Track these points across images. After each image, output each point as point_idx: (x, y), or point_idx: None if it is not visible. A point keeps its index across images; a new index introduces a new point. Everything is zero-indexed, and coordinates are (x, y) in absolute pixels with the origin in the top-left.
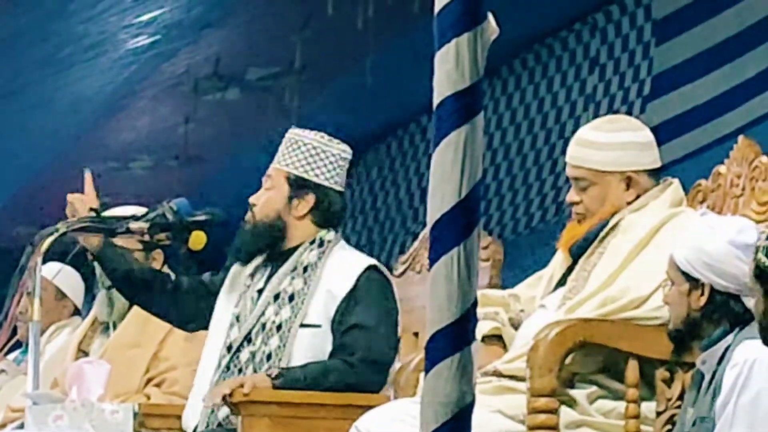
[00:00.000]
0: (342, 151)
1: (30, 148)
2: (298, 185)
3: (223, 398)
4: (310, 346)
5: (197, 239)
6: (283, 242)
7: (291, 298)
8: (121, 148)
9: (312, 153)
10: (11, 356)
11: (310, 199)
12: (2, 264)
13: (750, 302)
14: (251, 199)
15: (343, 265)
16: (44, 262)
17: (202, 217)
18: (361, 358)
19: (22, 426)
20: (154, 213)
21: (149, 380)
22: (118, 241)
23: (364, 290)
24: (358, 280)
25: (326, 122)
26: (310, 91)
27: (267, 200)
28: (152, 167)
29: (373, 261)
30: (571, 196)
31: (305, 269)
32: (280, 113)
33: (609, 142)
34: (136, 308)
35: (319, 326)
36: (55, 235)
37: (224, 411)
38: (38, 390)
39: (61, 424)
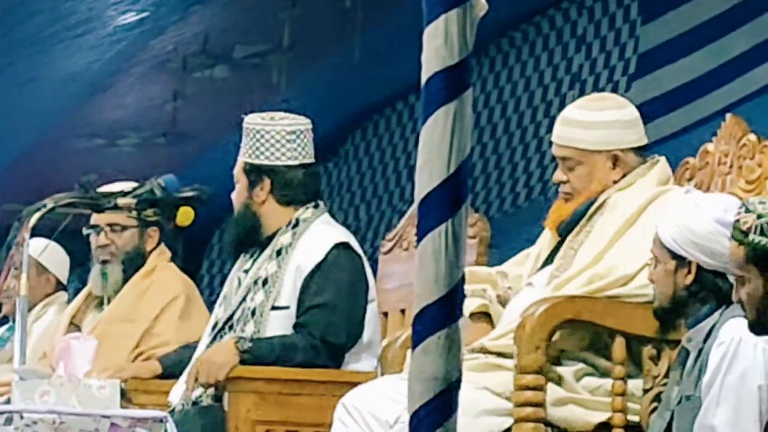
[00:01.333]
0: (288, 125)
1: (17, 125)
2: (253, 172)
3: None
4: (282, 328)
5: (185, 215)
6: (262, 229)
7: (264, 282)
8: (109, 125)
9: (258, 137)
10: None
11: (266, 183)
12: None
13: None
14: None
15: (313, 243)
16: (31, 237)
17: (190, 194)
18: (321, 339)
19: (8, 401)
20: (142, 189)
21: (138, 355)
22: (113, 216)
23: (330, 267)
24: (325, 256)
25: (314, 101)
26: (298, 69)
27: (236, 195)
28: (140, 144)
29: (344, 238)
30: (558, 175)
31: (279, 252)
32: (268, 91)
33: (595, 121)
34: (131, 283)
35: (287, 308)
36: (43, 210)
37: (198, 390)
38: (25, 365)
39: (47, 399)
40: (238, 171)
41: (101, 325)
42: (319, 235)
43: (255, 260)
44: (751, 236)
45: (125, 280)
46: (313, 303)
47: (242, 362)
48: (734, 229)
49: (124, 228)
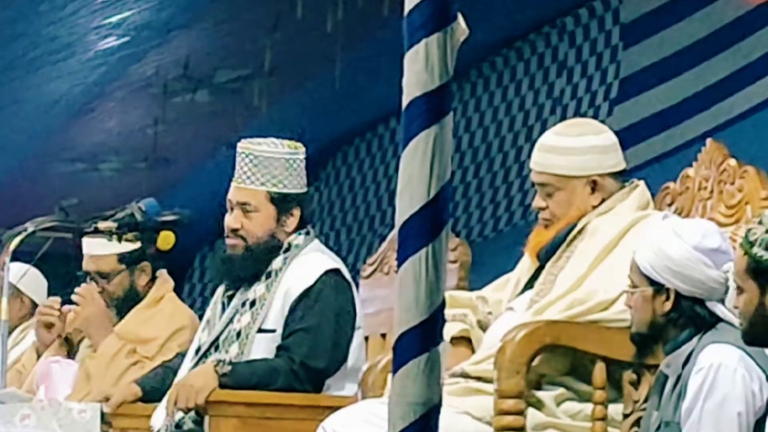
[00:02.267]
0: (302, 152)
1: None
2: (283, 202)
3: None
4: (267, 352)
5: (166, 239)
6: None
7: (252, 304)
8: (90, 149)
9: (285, 166)
10: None
11: (297, 212)
12: None
13: (718, 307)
14: (231, 224)
15: (304, 269)
16: (12, 261)
17: (171, 218)
18: (301, 364)
19: None
20: (123, 213)
21: (133, 364)
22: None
23: (318, 292)
24: (315, 282)
25: (295, 125)
26: (280, 93)
27: (257, 224)
28: (121, 169)
29: (335, 265)
30: (537, 201)
31: (268, 275)
32: (250, 115)
33: (572, 147)
34: (136, 310)
35: (273, 331)
36: (23, 234)
37: (179, 414)
38: (5, 389)
39: (28, 423)
40: (257, 201)
41: (106, 346)
42: (310, 261)
43: (240, 283)
44: (755, 249)
45: (122, 318)
46: (297, 327)
47: (221, 386)
48: (744, 238)
49: (112, 274)
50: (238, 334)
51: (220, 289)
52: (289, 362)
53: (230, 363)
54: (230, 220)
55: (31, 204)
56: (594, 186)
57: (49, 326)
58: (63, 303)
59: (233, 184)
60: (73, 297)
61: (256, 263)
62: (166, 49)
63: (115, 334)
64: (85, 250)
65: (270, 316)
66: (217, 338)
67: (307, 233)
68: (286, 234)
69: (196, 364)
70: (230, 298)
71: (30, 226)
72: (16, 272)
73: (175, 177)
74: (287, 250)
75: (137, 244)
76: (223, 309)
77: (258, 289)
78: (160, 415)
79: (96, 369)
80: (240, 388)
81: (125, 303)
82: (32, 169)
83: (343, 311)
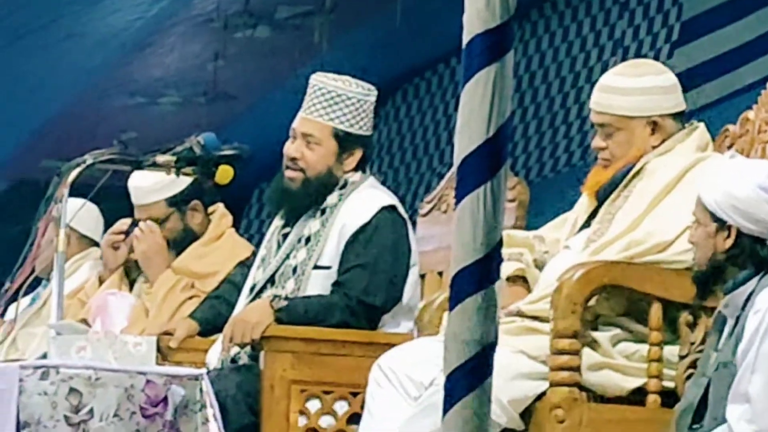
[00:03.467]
0: (374, 95)
1: (58, 81)
2: (347, 140)
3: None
4: (322, 288)
5: (224, 173)
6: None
7: (308, 240)
8: (150, 83)
9: (357, 106)
10: (25, 300)
11: (359, 153)
12: (29, 196)
13: None
14: (292, 153)
15: (360, 205)
16: (71, 193)
17: (230, 152)
18: (357, 300)
19: (44, 356)
20: (182, 147)
21: (188, 299)
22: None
23: (375, 229)
24: (371, 218)
25: (355, 62)
26: (340, 30)
27: (317, 158)
28: (180, 103)
29: (391, 201)
30: (597, 142)
31: (323, 211)
32: (309, 52)
33: (633, 87)
34: (195, 246)
35: (329, 268)
36: (82, 166)
37: (235, 349)
38: (62, 321)
39: (84, 354)
40: (322, 134)
41: (161, 282)
42: (366, 197)
43: (294, 221)
44: None
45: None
46: (353, 263)
47: (277, 321)
48: None
49: (164, 220)
50: (294, 270)
51: (274, 225)
52: (344, 298)
53: (286, 298)
54: (291, 149)
55: (91, 137)
56: (654, 126)
57: (115, 248)
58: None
59: (300, 114)
60: (135, 231)
61: (311, 197)
62: None
63: (171, 270)
64: (133, 201)
65: (325, 252)
66: (273, 274)
67: (363, 171)
68: (344, 173)
69: (252, 300)
70: (285, 235)
71: (89, 159)
72: (71, 210)
73: (235, 112)
74: (343, 186)
75: (185, 184)
76: (279, 246)
77: (313, 225)
78: (216, 350)
79: (152, 304)
80: (295, 324)
81: (183, 244)
82: (91, 103)
83: (399, 247)
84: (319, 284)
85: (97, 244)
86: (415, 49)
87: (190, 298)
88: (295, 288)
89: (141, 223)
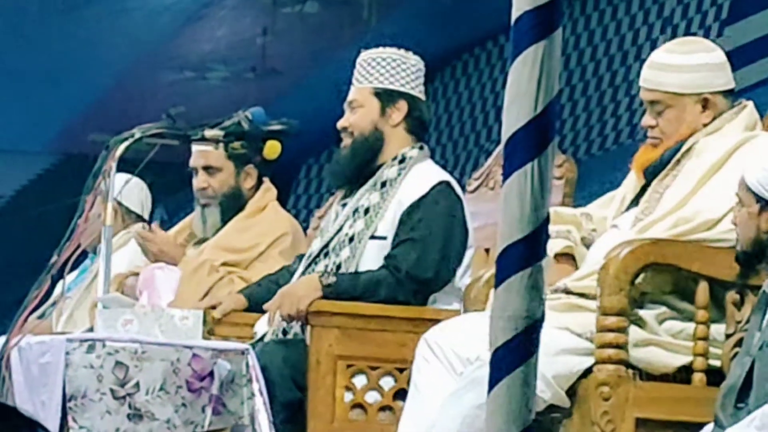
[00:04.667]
0: (417, 61)
1: (107, 55)
2: (387, 96)
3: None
4: (377, 259)
5: (272, 148)
6: (378, 156)
7: (366, 211)
8: (199, 58)
9: (393, 65)
10: (71, 275)
11: (402, 105)
12: (78, 170)
13: None
14: (340, 123)
15: (417, 178)
16: (119, 167)
17: (278, 127)
18: (407, 274)
19: (91, 329)
20: (230, 121)
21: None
22: (207, 158)
23: (431, 203)
24: (428, 192)
25: (403, 39)
26: (390, 7)
27: (360, 117)
28: (229, 78)
29: (447, 177)
30: (647, 120)
31: (383, 184)
32: (358, 28)
33: (683, 64)
34: (238, 218)
35: (384, 238)
36: (130, 140)
37: (281, 322)
38: (109, 294)
39: (130, 328)
40: (363, 96)
41: (203, 255)
42: (424, 171)
43: (354, 192)
44: None
45: (225, 221)
46: (406, 237)
47: (325, 296)
48: None
49: (219, 169)
50: (351, 239)
51: (334, 197)
52: (394, 273)
53: (335, 274)
54: (340, 121)
55: (139, 111)
56: (705, 104)
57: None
58: (165, 215)
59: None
60: (138, 239)
61: (358, 156)
62: None
63: (214, 245)
64: (193, 148)
65: (382, 223)
66: (327, 244)
67: (421, 147)
68: (391, 127)
69: (305, 270)
70: (344, 206)
71: (137, 132)
72: (118, 185)
73: (283, 88)
74: (402, 161)
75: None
76: (336, 217)
77: (372, 197)
78: (264, 321)
79: (180, 286)
80: (343, 299)
81: (230, 202)
82: (140, 76)
83: (455, 225)
84: (374, 254)
85: (143, 220)
86: (464, 25)
87: (221, 279)
88: (350, 256)
89: (141, 230)
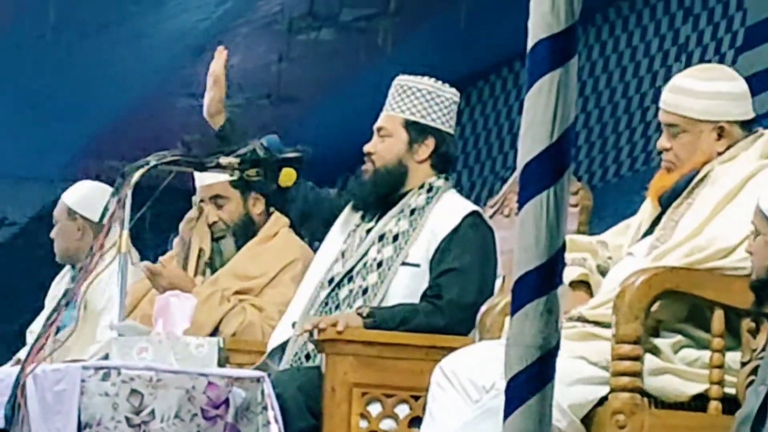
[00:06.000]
0: (453, 95)
1: (122, 81)
2: (417, 130)
3: (310, 332)
4: (408, 285)
5: (287, 176)
6: (401, 187)
7: (395, 238)
8: None
9: (427, 98)
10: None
11: (430, 143)
12: None
13: None
14: (367, 148)
15: (449, 209)
16: (134, 194)
17: (293, 154)
18: (449, 301)
19: (106, 357)
20: (245, 149)
21: (236, 293)
22: (214, 189)
23: (465, 234)
24: (461, 222)
25: (418, 65)
26: (404, 33)
27: (386, 147)
28: (244, 105)
29: (477, 208)
30: (662, 142)
31: (412, 212)
32: (373, 55)
33: (704, 91)
34: (249, 246)
35: (418, 266)
36: (145, 167)
37: (308, 343)
38: (124, 322)
39: (145, 356)
40: (392, 125)
41: (217, 283)
42: (453, 203)
43: (379, 217)
44: None
45: (239, 247)
46: (448, 267)
47: (365, 326)
48: None
49: (226, 198)
50: (380, 265)
51: (348, 220)
52: (436, 301)
53: (370, 312)
54: (367, 145)
55: (154, 138)
56: (721, 132)
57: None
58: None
59: (381, 114)
60: (146, 272)
61: (380, 187)
62: None
63: (229, 272)
64: (197, 183)
65: (413, 251)
66: (351, 269)
67: (446, 179)
68: (416, 163)
69: (330, 293)
70: (369, 231)
71: (152, 160)
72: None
73: (298, 115)
74: (429, 190)
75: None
76: (360, 241)
77: (401, 224)
78: (277, 335)
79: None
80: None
81: (242, 230)
82: (156, 103)
83: (489, 253)
84: (406, 280)
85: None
86: (479, 52)
87: (232, 308)
88: (378, 281)
89: (149, 264)
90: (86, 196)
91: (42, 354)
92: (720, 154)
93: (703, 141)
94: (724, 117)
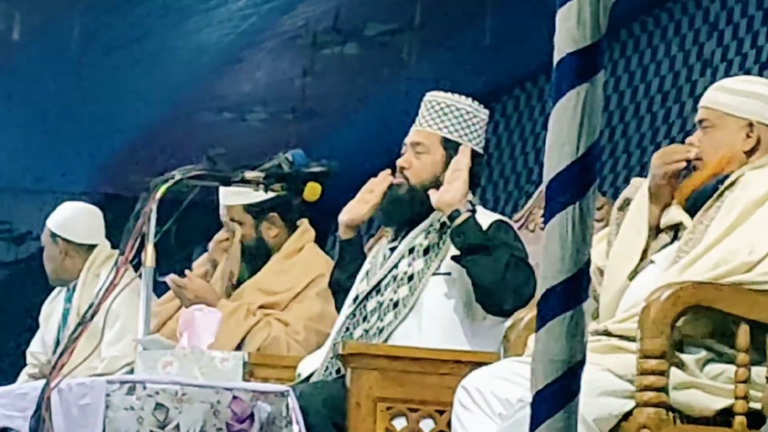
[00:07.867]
0: (486, 115)
1: (147, 96)
2: (454, 149)
3: (334, 347)
4: (440, 294)
5: (312, 190)
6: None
7: (426, 251)
8: (238, 99)
9: (465, 118)
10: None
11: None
12: (117, 211)
13: None
14: (401, 162)
15: (480, 219)
16: (159, 209)
17: (318, 169)
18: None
19: (131, 371)
20: (270, 163)
21: (261, 307)
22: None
23: (496, 235)
24: (488, 228)
25: (443, 80)
26: (428, 48)
27: (423, 165)
28: (268, 119)
29: (505, 218)
30: (691, 137)
31: (442, 225)
32: (398, 69)
33: (740, 89)
34: (275, 259)
35: (449, 274)
36: (170, 182)
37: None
38: (149, 336)
39: (170, 370)
40: (430, 142)
41: (238, 296)
42: (483, 214)
43: (405, 234)
44: None
45: (252, 271)
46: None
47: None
48: None
49: (240, 223)
50: (411, 278)
51: (383, 241)
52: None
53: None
54: (401, 159)
55: (178, 152)
56: (750, 131)
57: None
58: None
59: (412, 128)
60: (173, 286)
61: (415, 204)
62: (315, 0)
63: (254, 287)
64: (221, 199)
65: (444, 262)
66: (379, 283)
67: (473, 194)
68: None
69: (355, 310)
70: (392, 249)
71: (177, 174)
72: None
73: (323, 129)
74: None
75: (266, 196)
76: (384, 259)
77: (431, 237)
78: (309, 362)
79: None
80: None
81: (256, 252)
82: (180, 118)
83: (524, 251)
84: (437, 290)
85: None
86: (504, 67)
87: (258, 322)
88: (409, 293)
89: (175, 278)
90: (67, 218)
91: (65, 369)
92: (746, 153)
93: (729, 136)
94: (755, 116)
